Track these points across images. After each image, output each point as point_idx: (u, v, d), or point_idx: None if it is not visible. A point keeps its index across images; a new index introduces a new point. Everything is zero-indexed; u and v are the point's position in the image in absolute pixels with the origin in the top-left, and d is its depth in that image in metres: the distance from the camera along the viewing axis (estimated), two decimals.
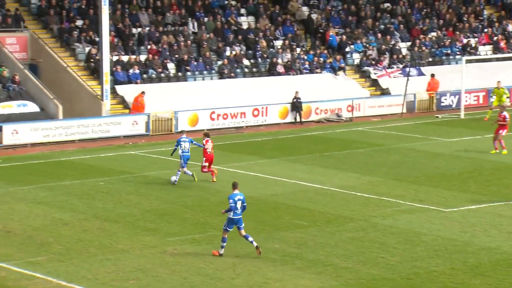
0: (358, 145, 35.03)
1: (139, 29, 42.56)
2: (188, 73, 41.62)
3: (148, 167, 30.80)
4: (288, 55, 44.11)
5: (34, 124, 34.91)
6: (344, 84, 44.04)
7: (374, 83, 45.12)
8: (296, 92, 40.02)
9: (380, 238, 22.23)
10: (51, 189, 27.12)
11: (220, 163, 31.26)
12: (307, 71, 44.06)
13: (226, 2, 46.26)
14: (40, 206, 24.96)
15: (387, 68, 45.42)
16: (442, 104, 43.83)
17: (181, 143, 28.12)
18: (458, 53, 47.20)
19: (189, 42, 42.70)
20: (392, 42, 46.85)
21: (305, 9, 47.83)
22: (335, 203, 25.73)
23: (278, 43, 45.05)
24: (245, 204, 20.79)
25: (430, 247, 21.37)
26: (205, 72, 42.08)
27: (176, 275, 19.28)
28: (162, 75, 41.02)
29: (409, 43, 47.37)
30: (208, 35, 43.50)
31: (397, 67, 45.50)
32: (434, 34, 48.30)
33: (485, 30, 49.45)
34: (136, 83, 39.82)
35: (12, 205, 25.01)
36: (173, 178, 27.88)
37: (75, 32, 40.62)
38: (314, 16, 47.21)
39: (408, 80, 43.08)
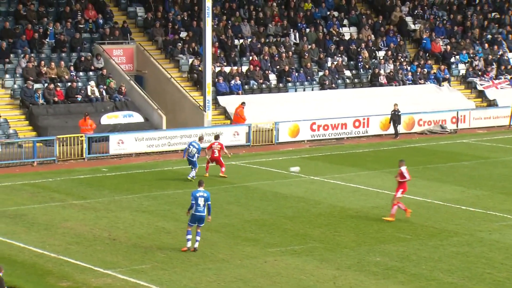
0: (463, 157, 34.31)
1: (241, 40, 42.95)
2: (289, 84, 41.74)
3: (248, 178, 30.95)
4: (391, 66, 43.66)
5: (139, 134, 35.62)
6: (449, 95, 43.28)
7: (480, 94, 44.20)
8: (395, 105, 39.44)
9: (487, 253, 21.66)
10: (154, 198, 27.58)
11: (320, 174, 31.16)
12: (410, 82, 43.48)
13: (328, 13, 46.20)
14: (144, 214, 25.41)
15: (494, 79, 44.37)
16: None
17: (190, 147, 29.86)
18: None
19: (290, 53, 42.84)
20: (500, 52, 45.77)
21: (409, 19, 47.27)
22: (439, 217, 25.22)
23: (381, 54, 44.64)
24: (209, 202, 21.39)
25: None
26: (306, 83, 42.10)
27: (276, 286, 19.26)
28: (263, 86, 41.25)
29: None
30: (309, 46, 43.53)
31: (504, 78, 44.41)
32: None
33: None
34: (238, 94, 40.17)
35: (117, 214, 25.55)
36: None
37: (179, 44, 41.34)
38: (417, 25, 46.61)
39: None
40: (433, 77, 43.86)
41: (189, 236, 21.46)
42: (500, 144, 37.23)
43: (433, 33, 46.23)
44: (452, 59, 45.25)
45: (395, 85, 42.93)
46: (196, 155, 29.68)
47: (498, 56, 45.53)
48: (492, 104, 43.51)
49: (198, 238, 21.48)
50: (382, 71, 43.22)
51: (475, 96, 44.11)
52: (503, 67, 44.88)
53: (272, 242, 22.70)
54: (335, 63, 43.16)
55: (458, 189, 28.73)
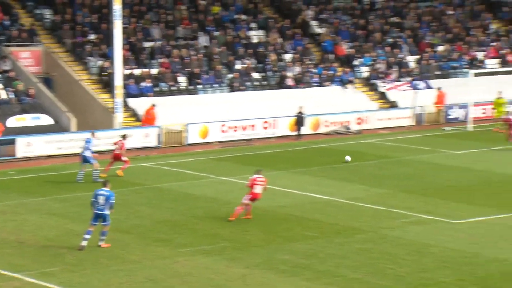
0: (367, 157, 35.03)
1: (151, 43, 42.76)
2: (199, 86, 41.79)
3: (160, 179, 30.88)
4: (298, 68, 44.24)
5: (48, 136, 35.06)
6: (353, 97, 44.13)
7: (383, 96, 45.18)
8: (300, 107, 39.98)
9: (389, 249, 22.22)
10: (64, 200, 27.22)
11: (230, 174, 31.33)
12: (316, 84, 44.17)
13: (237, 16, 46.46)
14: (53, 217, 25.05)
15: (396, 81, 45.48)
16: (450, 117, 43.83)
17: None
18: (465, 66, 47.20)
19: (200, 55, 42.89)
20: (400, 56, 46.92)
21: (314, 23, 47.98)
22: (344, 215, 25.73)
23: (288, 57, 45.20)
24: (110, 200, 21.59)
25: (439, 258, 21.35)
26: (215, 85, 42.23)
27: (186, 286, 19.31)
28: (173, 88, 41.18)
29: (417, 57, 47.43)
30: (219, 49, 43.69)
31: (405, 80, 45.55)
32: (441, 47, 48.33)
33: (493, 43, 49.44)
34: (148, 96, 39.98)
35: (25, 216, 25.11)
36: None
37: (88, 46, 40.85)
38: (323, 30, 47.38)
39: (416, 93, 43.13)
40: (338, 79, 44.63)
41: (87, 236, 21.45)
42: (401, 144, 38.16)
43: (338, 37, 47.03)
44: (356, 62, 46.17)
45: (302, 87, 43.52)
46: (89, 151, 29.75)
47: (399, 59, 46.68)
48: (393, 105, 44.55)
49: (102, 237, 21.59)
50: (289, 74, 43.75)
51: (378, 98, 45.10)
52: (403, 70, 46.05)
53: (183, 242, 22.74)
54: (244, 65, 43.45)
55: (363, 188, 29.33)
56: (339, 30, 47.51)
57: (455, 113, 43.86)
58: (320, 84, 44.19)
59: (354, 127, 41.73)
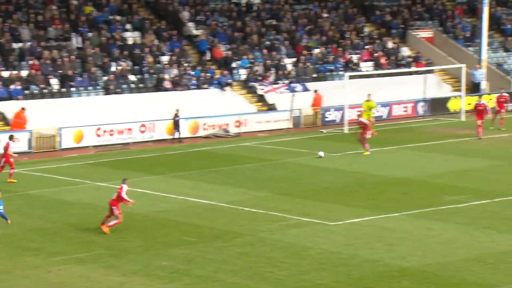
0: (245, 160, 35.30)
1: (20, 44, 41.63)
2: (73, 89, 41.01)
3: (31, 185, 30.09)
4: (175, 71, 44.10)
5: None
6: (231, 99, 44.37)
7: (261, 98, 45.60)
8: (177, 110, 39.93)
9: (268, 252, 22.44)
10: None
11: (106, 180, 30.87)
12: (194, 87, 44.15)
13: (111, 17, 45.86)
14: None
15: (273, 83, 46.01)
16: (327, 119, 44.72)
17: None
18: (341, 69, 48.28)
19: (73, 57, 42.09)
20: (278, 58, 47.51)
21: (191, 24, 47.95)
22: (223, 219, 25.80)
23: (165, 59, 44.97)
24: None
25: (316, 260, 21.73)
26: (90, 87, 41.55)
27: None
28: (45, 91, 40.23)
29: (294, 59, 48.15)
30: (93, 50, 43.00)
31: (283, 83, 46.15)
32: (318, 50, 49.29)
33: (366, 47, 50.84)
34: (18, 99, 38.89)
35: None
36: None
37: None
38: (199, 31, 47.44)
39: (293, 95, 43.78)
40: (216, 82, 44.77)
41: None
42: (280, 147, 38.64)
43: (215, 39, 47.18)
44: (234, 64, 46.43)
45: (180, 90, 43.40)
46: None
47: (276, 61, 47.25)
48: (272, 108, 45.05)
49: None
50: (166, 76, 43.54)
51: (256, 100, 45.49)
52: (281, 72, 46.64)
53: (56, 251, 22.23)
54: (120, 67, 42.94)
55: (241, 191, 29.52)
56: (216, 32, 47.66)
57: (331, 116, 44.79)
58: (198, 87, 44.20)
59: (233, 130, 41.96)
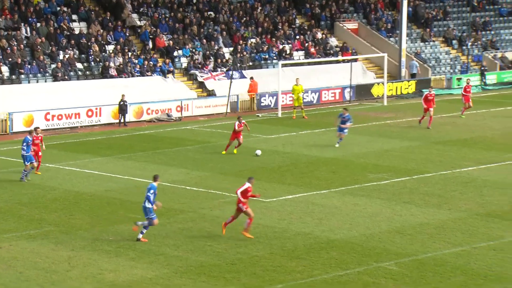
0: (187, 142, 35.13)
1: None
2: (22, 76, 40.19)
3: None
4: (120, 59, 43.59)
5: None
6: (173, 86, 44.07)
7: (201, 85, 45.44)
8: (123, 95, 39.58)
9: (208, 228, 22.41)
10: None
11: (56, 161, 30.39)
12: (138, 74, 43.74)
13: (59, 8, 45.05)
14: None
15: (212, 71, 45.88)
16: (262, 104, 44.79)
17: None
18: (274, 58, 48.38)
19: (22, 46, 41.23)
20: (216, 48, 47.36)
21: (134, 16, 47.40)
22: (166, 197, 25.64)
23: (110, 48, 44.39)
24: (148, 194, 20.64)
25: (252, 234, 21.76)
26: (39, 75, 40.77)
27: (12, 270, 18.57)
28: None
29: (231, 49, 48.04)
30: (41, 40, 42.19)
31: (221, 70, 46.04)
32: (253, 40, 49.26)
33: (298, 37, 51.00)
34: None
35: None
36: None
37: None
38: (143, 22, 46.94)
39: (231, 82, 43.75)
40: (159, 69, 44.41)
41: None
42: (219, 130, 38.56)
43: (157, 30, 46.77)
44: (175, 53, 46.14)
45: (125, 77, 42.95)
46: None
47: (215, 51, 47.10)
48: (211, 94, 44.93)
49: (143, 230, 20.94)
50: (112, 64, 42.99)
51: (197, 87, 45.31)
52: (219, 61, 46.52)
53: (7, 228, 21.82)
54: (67, 56, 42.24)
55: (184, 171, 29.38)
56: (158, 23, 47.24)
57: (266, 101, 44.86)
58: (142, 74, 43.78)
59: (175, 114, 41.72)
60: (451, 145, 33.51)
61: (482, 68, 51.51)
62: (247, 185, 21.53)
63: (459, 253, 20.15)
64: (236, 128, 31.99)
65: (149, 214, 20.84)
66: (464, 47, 54.20)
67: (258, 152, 31.41)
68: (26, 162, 27.09)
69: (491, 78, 51.35)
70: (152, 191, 20.81)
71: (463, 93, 40.59)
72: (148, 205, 20.79)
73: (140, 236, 20.88)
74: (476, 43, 54.86)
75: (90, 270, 18.81)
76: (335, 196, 25.88)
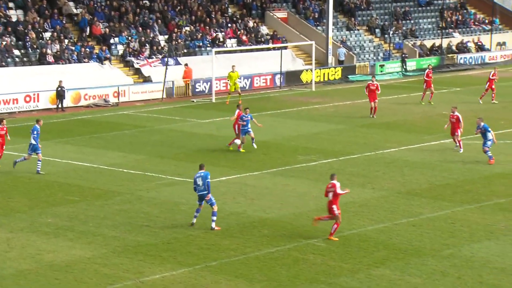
0: (124, 127, 34.74)
1: None
2: None
3: None
4: (57, 46, 42.74)
5: None
6: (110, 72, 43.47)
7: (137, 71, 44.95)
8: (60, 81, 38.91)
9: (145, 208, 22.26)
10: None
11: None
12: (76, 61, 42.99)
13: None
14: None
15: (148, 58, 45.43)
16: (197, 90, 44.59)
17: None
18: (208, 45, 48.17)
19: None
20: (152, 35, 46.87)
21: (71, 4, 46.48)
22: (104, 180, 25.36)
23: (47, 35, 43.46)
24: (208, 180, 20.25)
25: (188, 214, 21.72)
26: None
27: None
28: None
29: (166, 36, 47.62)
30: None
31: (156, 58, 45.63)
32: (187, 28, 48.92)
33: (230, 25, 50.87)
34: None
35: None
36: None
37: None
38: (79, 10, 46.09)
39: (166, 69, 43.42)
40: (95, 56, 43.71)
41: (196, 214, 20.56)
42: (154, 115, 38.25)
43: (94, 17, 46.01)
44: (112, 41, 45.48)
45: (62, 63, 42.14)
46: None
47: (151, 38, 46.61)
48: (147, 80, 44.50)
49: (214, 218, 20.31)
50: (49, 51, 42.10)
51: (133, 73, 44.79)
52: (155, 48, 46.08)
53: None
54: (4, 43, 41.18)
55: (121, 155, 29.07)
56: (95, 11, 46.45)
57: (201, 87, 44.68)
58: (79, 61, 43.04)
59: (112, 100, 41.18)
60: (374, 128, 34.02)
61: (403, 55, 52.37)
62: (336, 183, 19.76)
63: (382, 229, 20.53)
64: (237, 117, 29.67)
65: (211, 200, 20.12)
66: (386, 36, 55.00)
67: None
68: None
69: (411, 64, 52.26)
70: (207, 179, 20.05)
71: (425, 78, 39.63)
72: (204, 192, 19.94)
73: (213, 224, 20.22)
74: (397, 32, 55.73)
75: (29, 251, 18.47)
76: (267, 177, 26.01)
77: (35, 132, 26.31)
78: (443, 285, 16.91)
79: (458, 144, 28.99)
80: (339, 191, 19.78)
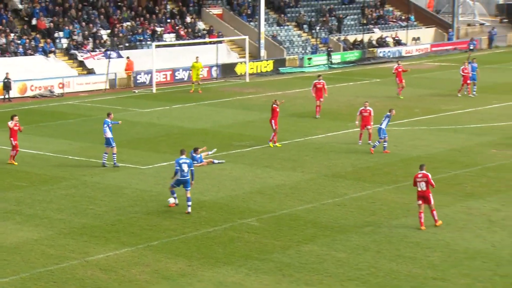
0: (69, 116, 34.12)
1: None
2: None
3: None
4: (3, 39, 41.57)
5: None
6: (55, 64, 42.59)
7: (81, 64, 44.14)
8: (7, 73, 37.98)
9: (90, 193, 21.95)
10: None
11: None
12: (22, 54, 41.92)
13: None
14: None
15: (91, 51, 44.66)
16: (138, 81, 44.09)
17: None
18: (148, 39, 47.64)
19: None
20: (94, 30, 46.07)
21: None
22: (51, 166, 24.90)
23: None
24: (192, 168, 20.03)
25: (131, 198, 21.54)
26: None
27: None
28: None
29: (108, 31, 46.87)
30: None
31: (99, 51, 44.91)
32: (129, 23, 48.25)
33: (169, 21, 50.40)
34: None
35: None
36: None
37: None
38: (23, 5, 44.93)
39: (109, 61, 42.78)
40: (41, 49, 42.71)
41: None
42: (99, 105, 37.67)
43: (39, 12, 44.91)
44: (56, 35, 44.54)
45: (8, 56, 41.04)
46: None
47: (93, 32, 45.81)
48: (91, 72, 43.76)
49: (189, 203, 19.95)
50: None
51: (77, 66, 43.97)
52: (98, 42, 45.34)
53: None
54: None
55: (66, 142, 28.55)
56: (40, 6, 45.36)
57: (142, 78, 44.20)
58: (25, 54, 41.98)
59: (57, 91, 40.37)
60: (304, 117, 34.32)
61: (329, 49, 52.89)
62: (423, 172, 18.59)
63: (310, 209, 20.78)
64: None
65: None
66: (313, 31, 55.43)
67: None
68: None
69: (336, 58, 52.83)
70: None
71: (394, 72, 38.18)
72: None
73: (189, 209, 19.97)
74: (323, 27, 56.25)
75: None
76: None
77: None
78: (365, 259, 17.24)
79: (362, 141, 27.66)
80: (432, 181, 18.60)
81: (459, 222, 19.48)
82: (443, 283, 15.90)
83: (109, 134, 25.03)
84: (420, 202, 18.90)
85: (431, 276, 16.22)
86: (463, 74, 38.15)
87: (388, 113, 27.11)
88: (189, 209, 20.14)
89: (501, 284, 15.87)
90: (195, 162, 24.17)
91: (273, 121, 28.05)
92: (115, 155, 25.11)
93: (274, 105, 28.23)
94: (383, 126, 26.79)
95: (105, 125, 25.24)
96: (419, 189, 18.88)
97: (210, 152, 26.31)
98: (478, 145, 27.72)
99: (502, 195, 21.75)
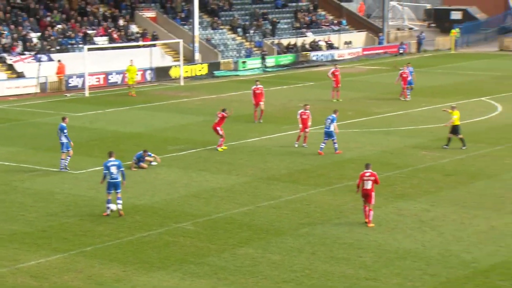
0: None
1: None
2: None
3: None
4: None
5: None
6: None
7: (10, 67, 43.05)
8: None
9: (20, 198, 21.43)
10: None
11: None
12: None
13: None
14: None
15: (21, 54, 43.61)
16: (70, 84, 43.31)
17: None
18: (80, 42, 46.86)
19: None
20: (24, 32, 45.01)
21: None
22: None
23: None
24: (122, 169, 20.10)
25: (63, 203, 21.13)
26: None
27: None
28: None
29: (39, 33, 45.87)
30: None
31: (29, 54, 43.89)
32: (60, 26, 47.35)
33: (102, 24, 49.71)
34: None
35: None
36: None
37: None
38: None
39: (39, 65, 41.86)
40: None
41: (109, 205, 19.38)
42: (29, 109, 36.81)
43: None
44: None
45: None
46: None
47: (23, 35, 44.77)
48: (20, 75, 42.71)
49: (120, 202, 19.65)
50: None
51: (6, 69, 42.87)
52: (28, 44, 44.33)
53: None
54: None
55: None
56: None
57: (74, 82, 43.42)
58: None
59: None
60: (238, 120, 34.39)
61: (263, 53, 53.22)
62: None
63: (246, 212, 20.83)
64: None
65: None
66: (247, 35, 55.65)
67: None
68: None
69: (270, 61, 53.17)
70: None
71: (330, 75, 38.11)
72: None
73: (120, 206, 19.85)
74: (257, 31, 56.54)
75: None
76: None
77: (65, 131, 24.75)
78: (300, 261, 17.40)
79: (298, 142, 27.97)
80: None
81: (390, 222, 19.88)
82: (375, 283, 16.20)
83: (64, 139, 24.66)
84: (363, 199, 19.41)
85: (363, 276, 16.50)
86: (402, 78, 38.61)
87: (333, 115, 27.39)
88: (120, 206, 19.99)
89: (431, 283, 16.27)
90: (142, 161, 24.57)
91: (218, 128, 27.91)
92: (63, 160, 24.66)
93: (222, 113, 28.04)
94: (331, 129, 27.05)
95: (64, 130, 24.78)
96: (364, 187, 19.27)
97: (153, 163, 25.91)
98: (409, 147, 28.36)
99: (431, 196, 22.32)
